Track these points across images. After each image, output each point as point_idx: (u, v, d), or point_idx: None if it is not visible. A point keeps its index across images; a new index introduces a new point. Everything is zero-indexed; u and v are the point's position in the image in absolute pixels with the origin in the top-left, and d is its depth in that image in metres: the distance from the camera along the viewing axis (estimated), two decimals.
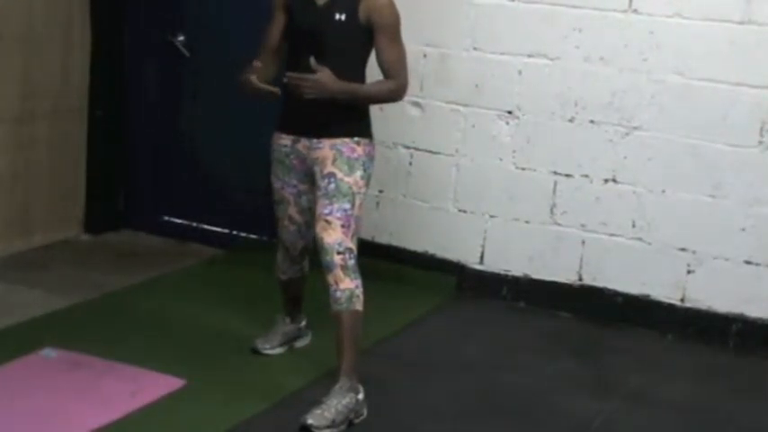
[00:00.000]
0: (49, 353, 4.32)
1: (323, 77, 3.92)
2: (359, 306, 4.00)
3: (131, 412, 3.87)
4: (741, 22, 4.81)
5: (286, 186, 4.23)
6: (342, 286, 3.96)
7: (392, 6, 4.07)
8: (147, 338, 4.58)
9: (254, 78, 4.06)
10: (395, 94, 4.15)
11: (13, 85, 5.44)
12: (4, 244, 5.53)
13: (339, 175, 4.01)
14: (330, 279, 3.98)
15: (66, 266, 5.53)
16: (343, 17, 3.99)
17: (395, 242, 5.60)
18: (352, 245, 4.01)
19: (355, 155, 4.05)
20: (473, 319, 5.22)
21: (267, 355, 4.49)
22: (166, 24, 5.93)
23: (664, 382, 4.61)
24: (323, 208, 4.01)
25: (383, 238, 5.60)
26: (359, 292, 3.99)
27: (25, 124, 5.54)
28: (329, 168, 4.03)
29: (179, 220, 6.10)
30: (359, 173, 4.05)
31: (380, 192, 5.59)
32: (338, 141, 4.04)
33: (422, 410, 4.14)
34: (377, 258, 5.57)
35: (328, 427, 3.82)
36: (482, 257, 5.45)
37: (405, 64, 4.12)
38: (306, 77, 3.92)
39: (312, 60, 3.92)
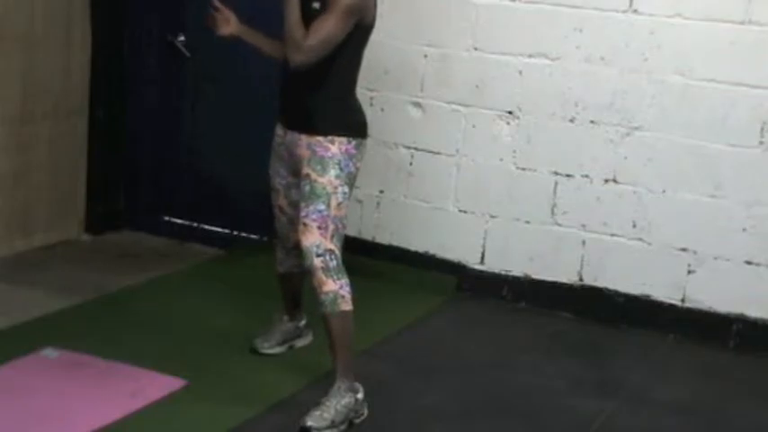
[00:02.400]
0: (50, 353, 4.32)
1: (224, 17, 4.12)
2: (345, 306, 3.95)
3: (132, 412, 3.87)
4: (742, 23, 4.81)
5: (277, 176, 4.24)
6: (325, 289, 3.92)
7: None
8: (147, 339, 4.58)
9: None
10: (291, 49, 3.85)
11: (14, 86, 5.44)
12: (5, 244, 5.52)
13: (313, 176, 3.97)
14: (314, 283, 3.95)
15: (67, 267, 5.53)
16: (317, 5, 3.92)
17: (395, 242, 5.60)
18: (333, 246, 3.95)
19: (329, 154, 3.98)
20: (474, 320, 5.22)
21: (268, 355, 4.49)
22: (167, 25, 5.93)
23: (664, 382, 4.62)
24: (301, 211, 3.99)
25: (384, 238, 5.60)
26: (344, 292, 3.94)
27: (26, 124, 5.54)
28: (305, 169, 4.01)
29: (179, 221, 6.10)
30: (333, 172, 3.97)
31: (381, 192, 5.59)
32: (313, 140, 4.00)
33: (422, 410, 4.14)
34: (377, 258, 5.58)
35: (328, 427, 3.83)
36: (483, 257, 5.46)
37: (323, 40, 3.84)
38: (218, 15, 4.14)
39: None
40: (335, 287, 3.92)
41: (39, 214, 5.74)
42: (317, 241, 3.93)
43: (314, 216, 3.94)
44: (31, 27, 5.48)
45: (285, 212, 4.28)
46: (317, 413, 3.84)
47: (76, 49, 5.79)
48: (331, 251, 3.94)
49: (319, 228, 3.94)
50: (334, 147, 3.99)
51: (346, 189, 4.02)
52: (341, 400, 3.90)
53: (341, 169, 3.99)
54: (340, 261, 3.97)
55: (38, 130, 5.63)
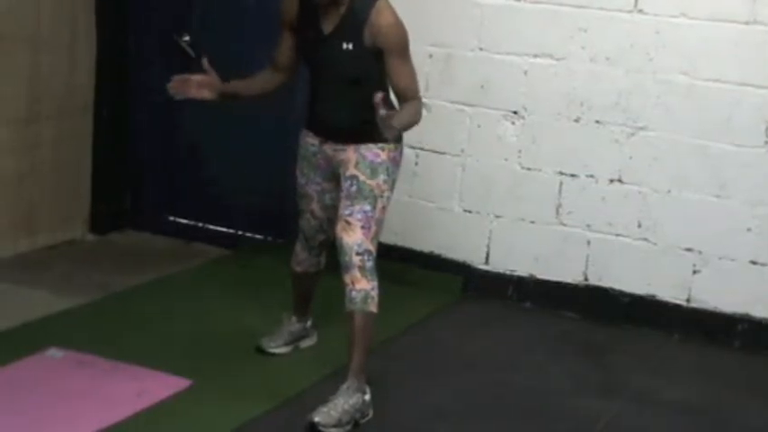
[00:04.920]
0: (55, 353, 4.32)
1: (390, 121, 3.80)
2: (373, 308, 3.99)
3: (137, 413, 3.87)
4: (747, 23, 4.81)
5: (310, 183, 4.24)
6: (358, 287, 3.96)
7: (398, 25, 4.01)
8: (152, 339, 4.58)
9: (196, 80, 4.23)
10: (421, 114, 4.07)
11: (20, 86, 5.44)
12: (10, 244, 5.53)
13: (361, 177, 4.02)
14: (347, 279, 3.98)
15: (72, 267, 5.53)
16: (350, 46, 3.96)
17: (400, 242, 5.60)
18: (372, 247, 4.01)
19: (379, 159, 4.05)
20: (478, 320, 5.22)
21: (273, 355, 4.49)
22: (172, 25, 5.92)
23: (669, 382, 4.61)
24: (344, 209, 4.02)
25: (389, 239, 5.58)
26: (374, 293, 3.99)
27: (31, 124, 5.54)
28: (352, 171, 4.04)
29: (184, 221, 6.09)
30: (382, 177, 4.05)
31: None
32: (362, 146, 4.05)
33: (427, 410, 4.14)
34: (382, 258, 5.55)
35: (334, 426, 3.83)
36: (487, 257, 5.45)
37: (417, 81, 4.07)
38: (388, 121, 3.79)
39: (377, 97, 3.73)
40: (368, 287, 3.97)
41: (43, 214, 5.74)
42: (359, 240, 3.97)
43: (359, 215, 3.99)
44: (36, 27, 5.48)
45: (317, 217, 4.29)
46: (325, 410, 3.85)
47: (81, 50, 5.79)
48: (369, 252, 4.00)
49: (363, 227, 3.99)
50: (384, 153, 4.07)
51: (390, 194, 4.10)
52: (349, 400, 3.90)
53: (388, 175, 4.08)
54: (374, 264, 4.01)
55: (43, 130, 5.63)
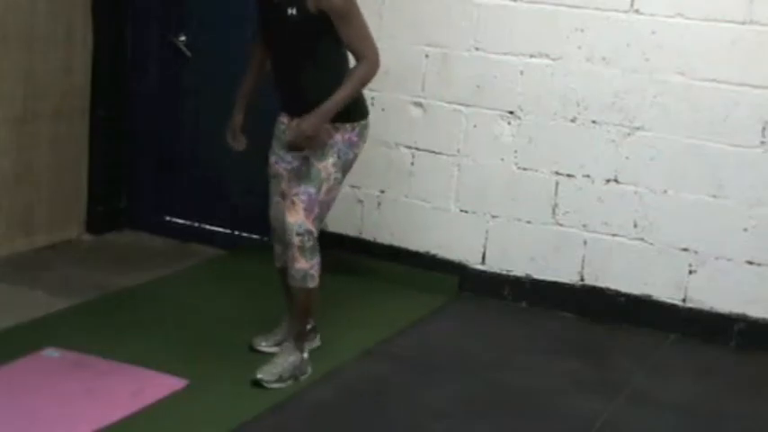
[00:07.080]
0: (52, 353, 4.33)
1: (296, 130, 4.06)
2: (311, 284, 4.21)
3: (133, 412, 3.88)
4: (743, 23, 4.81)
5: (280, 161, 4.31)
6: (297, 266, 4.17)
7: None
8: (148, 339, 4.58)
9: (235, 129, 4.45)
10: (369, 75, 4.09)
11: (16, 86, 5.45)
12: (7, 244, 5.53)
13: (311, 159, 4.13)
14: (289, 256, 4.19)
15: (69, 267, 5.53)
16: (294, 11, 3.99)
17: (396, 242, 5.60)
18: (313, 228, 4.15)
19: (331, 141, 4.12)
20: (475, 320, 5.22)
21: (269, 354, 4.49)
22: (168, 24, 5.93)
23: (666, 382, 4.62)
24: (293, 188, 4.16)
25: (385, 239, 5.60)
26: (313, 271, 4.20)
27: (28, 124, 5.55)
28: (306, 151, 4.13)
29: (181, 221, 6.10)
30: (331, 159, 4.14)
31: (382, 192, 5.59)
32: None
33: (423, 410, 4.14)
34: (378, 259, 5.58)
35: (276, 381, 4.13)
36: (484, 258, 5.45)
37: (368, 38, 4.06)
38: (292, 138, 4.10)
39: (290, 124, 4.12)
40: (306, 266, 4.18)
41: (40, 214, 5.74)
42: (300, 221, 4.12)
43: (303, 197, 4.12)
44: (32, 27, 5.48)
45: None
46: (267, 367, 4.18)
47: (78, 49, 5.80)
48: (310, 232, 4.15)
49: (305, 209, 4.12)
50: (338, 134, 4.15)
51: (339, 175, 4.20)
52: (288, 358, 4.21)
53: (338, 157, 4.16)
54: (316, 241, 4.20)
55: (39, 130, 5.63)
